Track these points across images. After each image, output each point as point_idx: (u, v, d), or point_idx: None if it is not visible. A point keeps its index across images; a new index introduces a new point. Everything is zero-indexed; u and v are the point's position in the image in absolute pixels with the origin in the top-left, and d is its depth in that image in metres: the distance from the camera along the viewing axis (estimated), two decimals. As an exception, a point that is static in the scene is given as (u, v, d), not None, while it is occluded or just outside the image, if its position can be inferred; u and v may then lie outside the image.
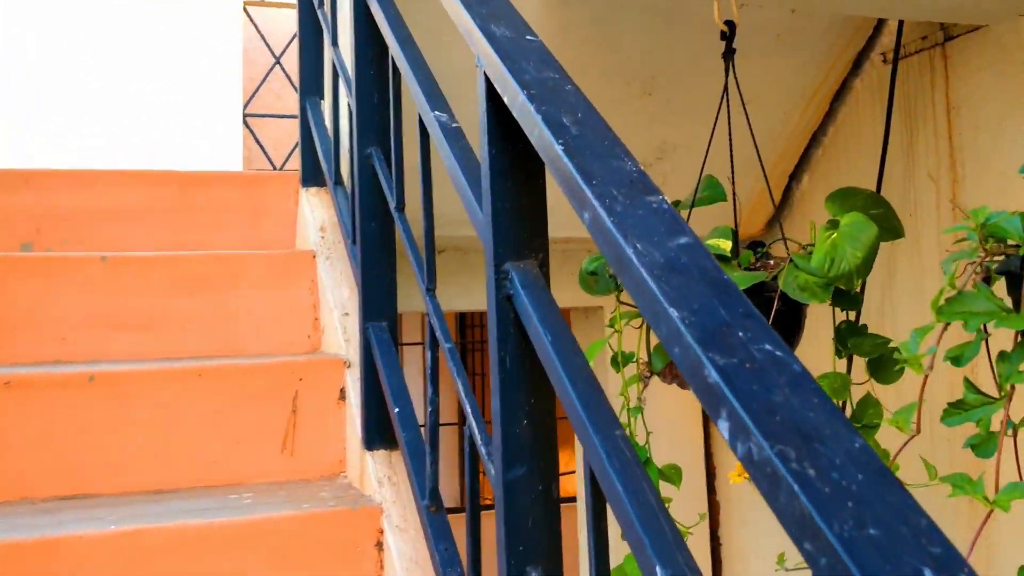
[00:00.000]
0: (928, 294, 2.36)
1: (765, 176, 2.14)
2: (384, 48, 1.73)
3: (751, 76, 2.13)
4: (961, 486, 1.03)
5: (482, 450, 1.23)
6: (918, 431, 1.13)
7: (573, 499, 3.63)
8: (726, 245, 1.72)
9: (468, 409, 1.30)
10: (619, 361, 1.97)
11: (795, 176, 2.90)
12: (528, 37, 1.11)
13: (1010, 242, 1.15)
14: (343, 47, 2.16)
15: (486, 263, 1.13)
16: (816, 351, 2.10)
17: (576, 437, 0.94)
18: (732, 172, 2.03)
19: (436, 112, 1.39)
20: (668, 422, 3.40)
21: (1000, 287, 1.16)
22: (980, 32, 2.24)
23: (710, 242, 1.74)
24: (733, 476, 1.54)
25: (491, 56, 1.07)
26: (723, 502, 3.35)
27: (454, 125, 1.37)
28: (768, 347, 0.67)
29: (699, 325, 0.69)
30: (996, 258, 1.12)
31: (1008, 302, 1.12)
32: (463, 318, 7.48)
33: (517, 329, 1.09)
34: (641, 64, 2.43)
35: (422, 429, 1.59)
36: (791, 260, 1.69)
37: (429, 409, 1.48)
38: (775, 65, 2.53)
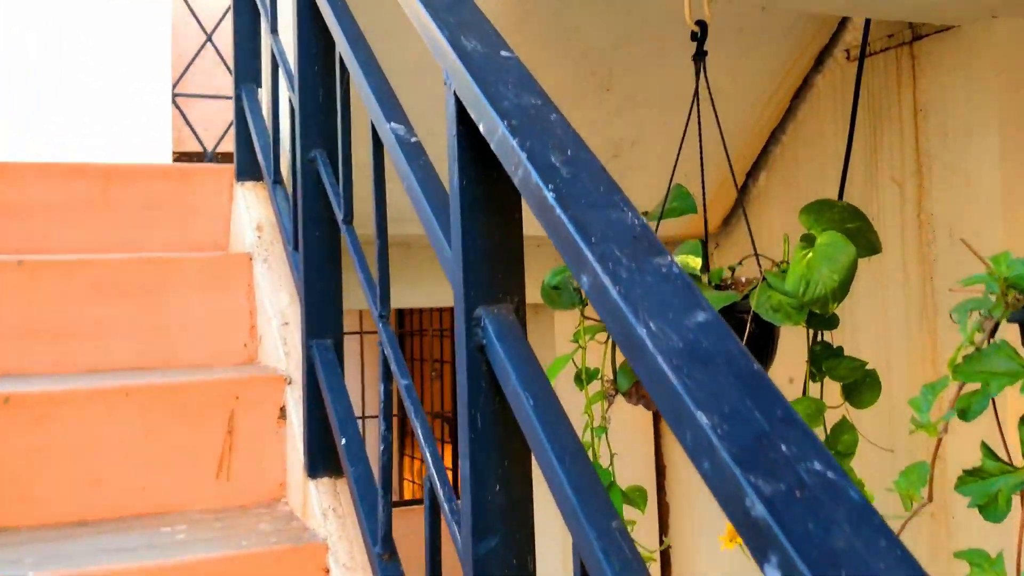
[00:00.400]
0: (891, 304, 2.29)
1: (734, 176, 2.04)
2: (331, 42, 1.59)
3: (711, 72, 2.03)
4: (979, 564, 0.95)
5: (445, 508, 1.11)
6: (930, 499, 1.04)
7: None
8: (695, 263, 1.62)
9: (429, 458, 1.17)
10: (583, 379, 1.87)
11: (752, 174, 2.81)
12: (503, 53, 0.99)
13: (1028, 292, 1.06)
14: (284, 35, 2.00)
15: (455, 306, 1.01)
16: (785, 368, 2.02)
17: (563, 520, 0.82)
18: (703, 177, 1.92)
19: (392, 124, 1.25)
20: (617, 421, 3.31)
21: (1007, 332, 1.08)
22: (950, 32, 2.16)
23: (679, 258, 1.63)
24: (724, 541, 1.44)
25: (463, 75, 0.94)
26: (672, 502, 3.29)
27: (413, 139, 1.24)
28: (818, 466, 0.56)
29: (734, 436, 0.58)
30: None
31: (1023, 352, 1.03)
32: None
33: (490, 383, 0.97)
34: (601, 58, 2.31)
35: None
36: (764, 279, 1.60)
37: (381, 447, 1.36)
38: (736, 61, 2.43)
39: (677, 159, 1.92)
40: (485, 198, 0.98)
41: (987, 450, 0.98)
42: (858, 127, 2.39)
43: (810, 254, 1.50)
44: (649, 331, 0.66)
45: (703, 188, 1.93)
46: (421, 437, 1.20)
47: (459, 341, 0.99)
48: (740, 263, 1.77)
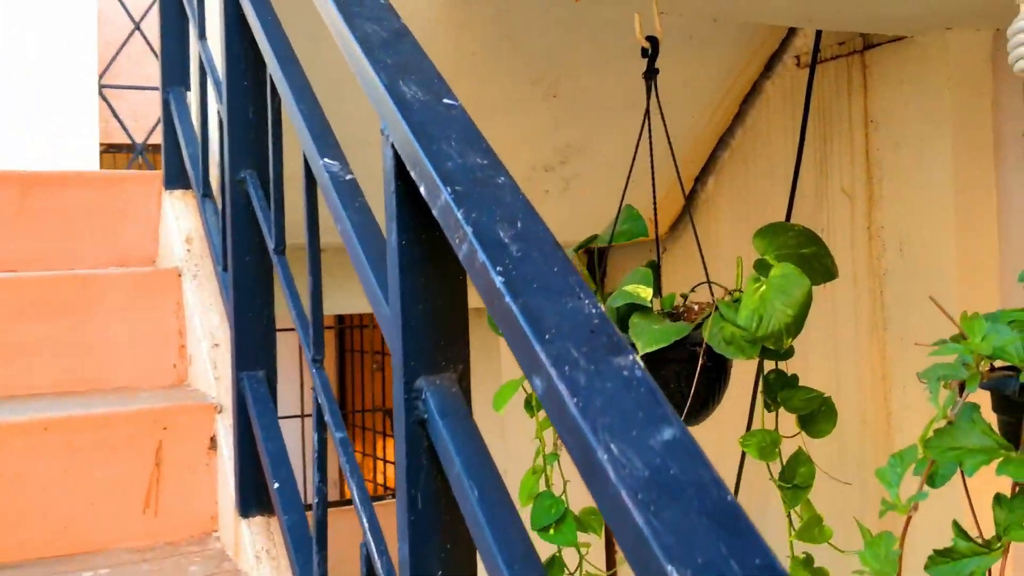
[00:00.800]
0: (840, 323, 2.26)
1: (681, 185, 1.98)
2: (261, 59, 1.48)
3: (660, 77, 1.97)
4: (951, 651, 0.90)
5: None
6: (900, 579, 0.99)
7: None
8: (646, 293, 1.55)
9: (366, 524, 1.10)
10: (533, 405, 1.80)
11: (700, 179, 2.76)
12: (446, 100, 0.90)
13: (998, 363, 1.01)
14: (212, 42, 1.88)
15: (394, 371, 0.93)
16: (739, 396, 1.97)
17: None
18: (654, 191, 1.86)
19: (325, 159, 1.17)
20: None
21: (979, 397, 1.03)
22: (903, 43, 2.12)
23: (628, 288, 1.57)
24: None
25: (401, 128, 0.86)
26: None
27: (348, 177, 1.15)
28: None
29: (711, 598, 0.51)
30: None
31: (994, 422, 0.99)
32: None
33: (432, 461, 0.90)
34: (546, 64, 2.23)
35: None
36: (716, 308, 1.54)
37: (316, 499, 1.27)
38: (686, 67, 2.37)
39: (630, 174, 1.85)
40: (426, 258, 0.90)
41: (959, 530, 0.94)
42: (809, 135, 2.34)
43: (763, 286, 1.44)
44: (611, 456, 0.58)
45: (654, 202, 1.86)
46: (357, 500, 1.12)
47: (397, 413, 0.91)
48: (693, 290, 1.71)
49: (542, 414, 1.82)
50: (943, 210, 2.03)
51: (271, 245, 1.46)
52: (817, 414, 1.60)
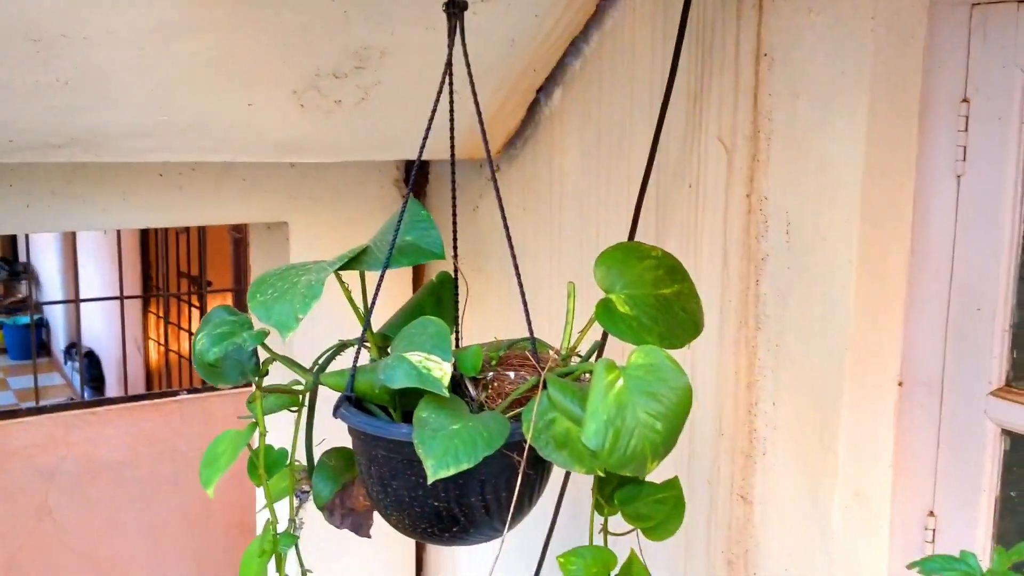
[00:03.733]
0: (709, 306, 1.78)
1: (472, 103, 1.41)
2: None
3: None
4: None
5: None
6: None
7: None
8: (440, 371, 1.01)
9: None
10: (259, 467, 1.26)
11: (545, 90, 2.19)
12: None
13: None
14: None
15: None
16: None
17: None
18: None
19: None
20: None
21: None
22: (817, -44, 1.57)
23: (411, 358, 1.02)
24: None
25: None
26: None
27: None
28: None
29: None
30: None
31: None
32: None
33: None
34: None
35: None
36: (545, 386, 1.02)
37: None
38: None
39: (444, 84, 1.28)
40: None
41: None
42: (684, 59, 1.80)
43: (620, 383, 0.93)
44: None
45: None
46: None
47: None
48: (512, 346, 1.18)
49: (279, 478, 1.29)
50: (847, 189, 1.54)
51: None
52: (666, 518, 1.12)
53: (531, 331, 1.13)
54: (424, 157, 2.65)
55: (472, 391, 1.09)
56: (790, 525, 1.68)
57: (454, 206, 1.52)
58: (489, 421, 1.00)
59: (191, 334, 5.98)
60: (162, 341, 6.49)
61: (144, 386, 6.71)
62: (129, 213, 2.30)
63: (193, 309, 5.90)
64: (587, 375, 1.10)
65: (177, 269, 6.16)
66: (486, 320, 2.40)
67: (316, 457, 1.28)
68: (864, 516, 1.63)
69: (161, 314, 6.55)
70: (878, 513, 1.64)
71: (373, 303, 1.17)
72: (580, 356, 1.17)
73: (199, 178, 2.33)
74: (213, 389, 4.95)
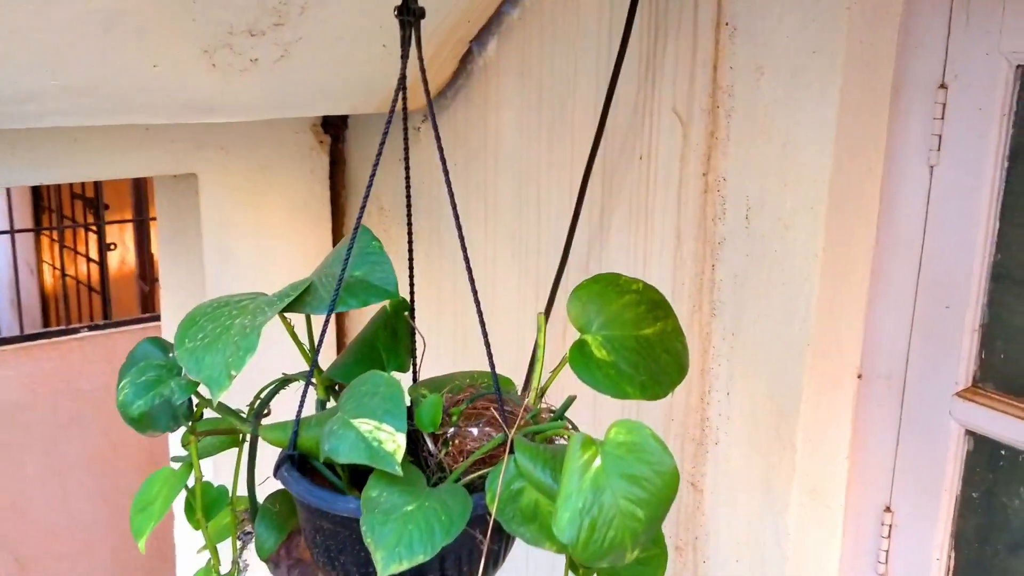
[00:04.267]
0: (660, 287, 1.69)
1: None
2: None
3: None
4: None
5: None
6: None
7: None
8: (392, 444, 0.89)
9: None
10: (196, 509, 1.13)
11: (479, 40, 2.02)
12: None
13: None
14: None
15: None
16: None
17: None
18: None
19: None
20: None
21: None
22: (788, -84, 1.44)
23: (361, 428, 0.90)
24: None
25: None
26: None
27: None
28: None
29: None
30: None
31: None
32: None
33: None
34: None
35: None
36: (511, 450, 0.91)
37: None
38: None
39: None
40: None
41: None
42: (638, 20, 1.66)
43: (597, 463, 0.82)
44: None
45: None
46: None
47: None
48: (477, 380, 1.05)
49: (222, 518, 1.16)
50: (814, 175, 1.45)
51: None
52: None
53: (495, 376, 1.00)
54: (346, 112, 2.45)
55: (431, 446, 0.97)
56: (743, 515, 1.63)
57: (409, 217, 1.37)
58: (448, 499, 0.89)
59: (89, 260, 5.67)
60: (57, 265, 6.16)
61: (40, 314, 6.39)
62: (16, 170, 2.08)
63: (90, 233, 5.58)
64: (562, 438, 0.99)
65: (71, 189, 5.80)
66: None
67: (261, 496, 1.16)
68: (818, 509, 1.59)
69: (55, 237, 6.20)
70: (832, 506, 1.60)
71: (320, 344, 1.03)
72: (549, 408, 1.06)
73: (96, 129, 2.11)
74: (116, 324, 4.71)
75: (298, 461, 1.01)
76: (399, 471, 0.87)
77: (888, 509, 1.54)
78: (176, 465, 1.11)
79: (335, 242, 2.56)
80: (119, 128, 2.14)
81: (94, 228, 5.49)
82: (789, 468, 1.55)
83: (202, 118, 1.85)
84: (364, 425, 0.89)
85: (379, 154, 1.26)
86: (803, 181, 1.46)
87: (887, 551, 1.55)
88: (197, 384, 1.01)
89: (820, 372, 1.51)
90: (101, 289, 5.45)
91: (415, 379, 1.16)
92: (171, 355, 1.11)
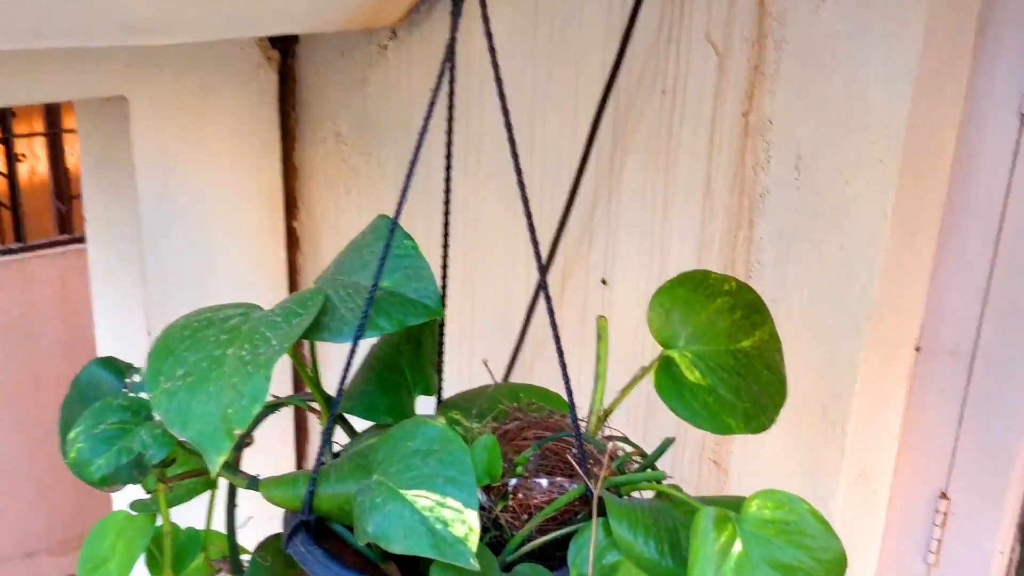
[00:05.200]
0: (674, 250, 1.47)
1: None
2: None
3: None
4: None
5: None
6: None
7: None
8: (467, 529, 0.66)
9: None
10: (163, 565, 0.89)
11: (461, -54, 1.73)
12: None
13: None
14: None
15: None
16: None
17: None
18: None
19: None
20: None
21: None
22: None
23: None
24: None
25: None
26: None
27: None
28: None
29: None
30: None
31: None
32: None
33: None
34: None
35: None
36: (601, 511, 0.69)
37: None
38: None
39: None
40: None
41: None
42: (660, -70, 1.40)
43: (738, 547, 0.62)
44: None
45: None
46: None
47: None
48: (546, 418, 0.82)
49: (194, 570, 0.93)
50: (887, 123, 1.23)
51: None
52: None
53: (573, 411, 0.77)
54: (305, 31, 2.14)
55: (485, 500, 0.75)
56: (774, 500, 1.46)
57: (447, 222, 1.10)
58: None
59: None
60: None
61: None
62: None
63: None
64: (649, 491, 0.78)
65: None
66: (378, 211, 2.03)
67: (242, 539, 0.93)
68: (865, 495, 1.42)
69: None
70: (879, 491, 1.44)
71: (343, 381, 0.79)
72: (615, 430, 0.84)
73: (7, 50, 1.78)
74: (32, 248, 4.33)
75: (315, 526, 0.78)
76: (476, 565, 0.64)
77: (944, 496, 1.38)
78: (135, 511, 0.87)
79: (285, 172, 2.27)
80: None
81: (1, 139, 5.02)
82: (837, 452, 1.37)
83: (140, 40, 1.55)
84: (421, 500, 0.66)
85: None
86: (871, 128, 1.25)
87: (939, 540, 1.39)
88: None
89: (879, 346, 1.33)
90: (12, 206, 5.02)
91: (439, 398, 0.93)
92: (129, 380, 0.86)
